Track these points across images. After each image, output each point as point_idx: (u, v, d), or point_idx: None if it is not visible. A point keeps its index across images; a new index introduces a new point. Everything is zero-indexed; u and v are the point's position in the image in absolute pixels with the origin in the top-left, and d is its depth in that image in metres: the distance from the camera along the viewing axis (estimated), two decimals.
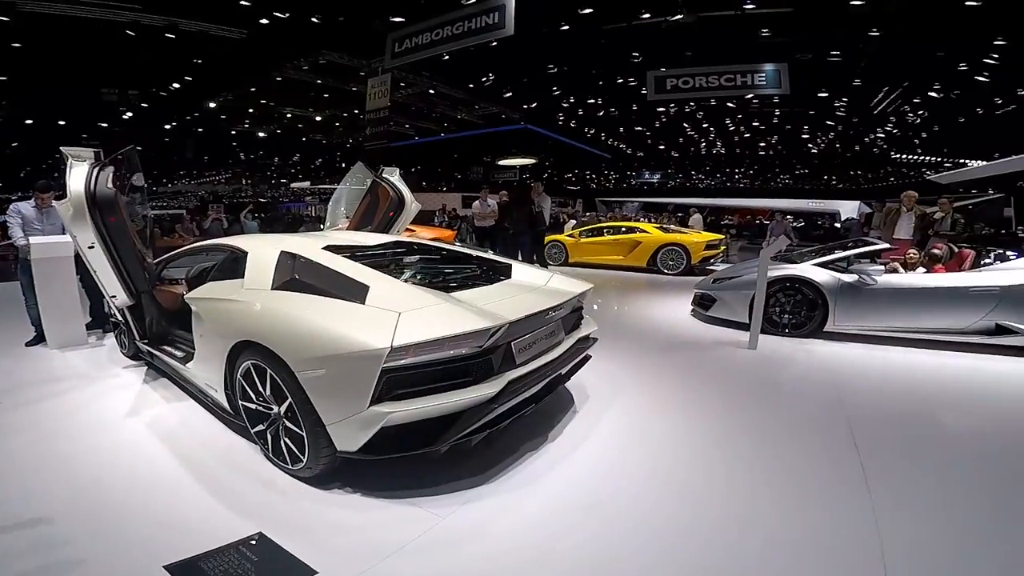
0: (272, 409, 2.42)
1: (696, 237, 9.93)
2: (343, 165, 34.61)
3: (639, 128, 29.50)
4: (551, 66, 17.83)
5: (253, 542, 1.94)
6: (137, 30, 13.09)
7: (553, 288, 3.06)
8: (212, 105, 22.51)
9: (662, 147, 35.55)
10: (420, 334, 2.04)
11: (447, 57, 14.55)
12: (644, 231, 10.33)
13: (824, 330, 4.95)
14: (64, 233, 4.49)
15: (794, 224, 20.99)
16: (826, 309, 4.90)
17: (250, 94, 21.25)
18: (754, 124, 27.10)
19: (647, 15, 12.58)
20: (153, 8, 12.36)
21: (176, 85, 19.13)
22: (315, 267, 2.67)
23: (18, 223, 4.65)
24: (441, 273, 3.22)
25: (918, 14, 10.93)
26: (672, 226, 11.87)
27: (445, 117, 25.68)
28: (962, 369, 4.17)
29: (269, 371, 2.34)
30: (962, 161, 26.84)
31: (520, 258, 7.70)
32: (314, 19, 13.61)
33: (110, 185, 3.53)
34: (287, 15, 13.18)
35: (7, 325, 5.06)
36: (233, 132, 28.57)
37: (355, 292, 2.36)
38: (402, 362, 2.02)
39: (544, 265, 7.99)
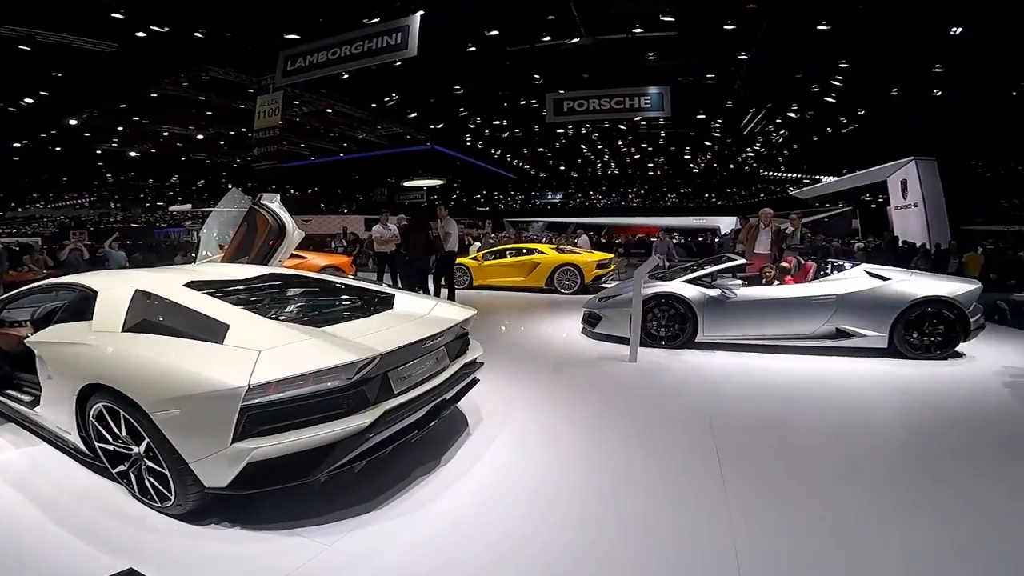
0: (132, 449, 2.35)
1: (588, 257, 10.51)
2: (229, 186, 32.17)
3: (541, 149, 30.59)
4: (457, 87, 18.02)
5: None
6: None
7: (435, 316, 3.12)
8: (73, 122, 20.16)
9: (563, 168, 37.15)
10: (280, 371, 2.07)
11: (346, 76, 14.29)
12: (542, 252, 10.73)
13: (696, 340, 5.46)
14: None
15: (677, 241, 22.91)
16: (696, 322, 5.41)
17: (119, 111, 19.33)
18: (643, 145, 29.18)
19: (548, 37, 12.96)
20: (5, 19, 10.94)
21: (29, 100, 16.94)
22: (171, 307, 2.59)
23: None
24: (317, 307, 3.18)
25: (780, 37, 11.97)
26: (568, 247, 12.40)
27: (345, 137, 25.02)
28: (809, 371, 4.77)
29: (123, 413, 2.30)
30: (818, 177, 30.75)
31: (419, 286, 7.63)
32: (198, 34, 12.79)
33: None
34: (166, 29, 12.27)
35: None
36: (99, 152, 25.74)
37: (214, 332, 2.34)
38: (264, 399, 2.04)
39: (451, 293, 7.87)
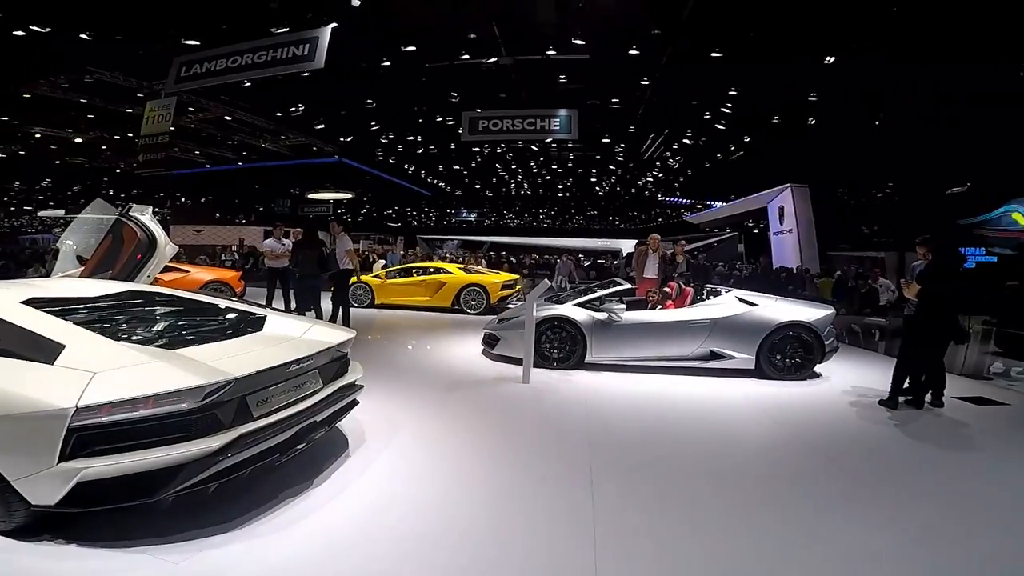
0: None
1: (495, 278, 10.70)
2: (111, 192, 29.28)
3: (457, 167, 30.72)
4: (369, 101, 17.70)
5: None
6: None
7: (308, 339, 3.07)
8: None
9: (478, 186, 37.52)
10: (116, 393, 2.06)
11: (249, 84, 13.70)
12: (448, 272, 10.78)
13: (585, 362, 5.74)
14: None
15: (583, 263, 23.97)
16: (585, 344, 5.70)
17: None
18: (554, 167, 30.22)
19: (466, 56, 13.06)
20: None
21: None
22: (1, 325, 2.44)
23: None
24: (177, 327, 3.05)
25: (679, 63, 12.43)
26: (475, 267, 12.50)
27: (245, 145, 23.70)
28: (684, 392, 5.13)
29: None
30: (709, 203, 33.36)
31: (312, 304, 7.44)
32: (84, 36, 11.66)
33: None
34: (48, 29, 11.09)
35: None
36: None
37: (45, 352, 2.27)
38: (94, 420, 2.03)
39: (346, 316, 7.57)
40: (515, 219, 48.52)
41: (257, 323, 3.22)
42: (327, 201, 32.45)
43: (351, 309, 8.12)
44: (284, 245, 8.45)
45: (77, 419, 1.99)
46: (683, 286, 6.56)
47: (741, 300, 5.81)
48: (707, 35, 11.14)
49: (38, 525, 2.21)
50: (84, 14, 10.82)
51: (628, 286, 6.62)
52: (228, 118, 19.42)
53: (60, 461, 2.00)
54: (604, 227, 44.48)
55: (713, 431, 4.15)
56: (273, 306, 6.32)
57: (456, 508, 2.72)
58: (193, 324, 3.15)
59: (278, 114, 19.24)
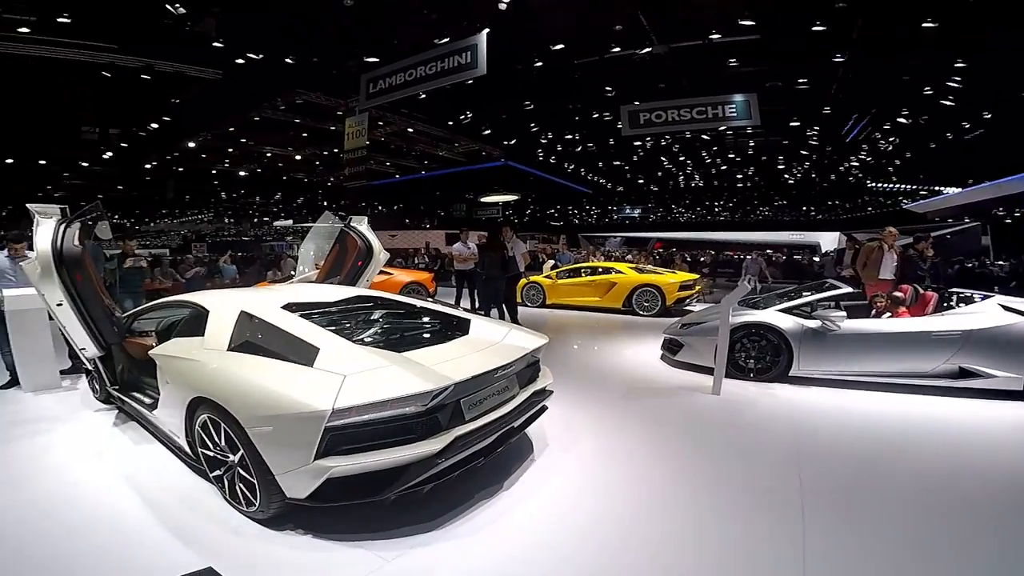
0: (228, 457, 2.56)
1: (671, 277, 9.88)
2: (325, 203, 34.54)
3: (617, 162, 29.85)
4: (527, 103, 18.01)
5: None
6: (113, 71, 13.03)
7: (509, 344, 3.14)
8: (192, 145, 22.46)
9: (641, 181, 36.01)
10: (362, 396, 2.21)
11: (423, 96, 14.68)
12: (619, 272, 10.28)
13: (790, 374, 4.97)
14: None
15: (773, 256, 20.94)
16: (791, 354, 4.92)
17: (229, 134, 21.27)
18: (730, 156, 27.55)
19: (617, 48, 12.64)
20: (129, 50, 12.33)
21: (155, 125, 19.04)
22: (270, 329, 2.83)
23: None
24: (399, 330, 3.32)
25: (880, 37, 10.96)
26: (648, 266, 11.80)
27: (426, 155, 25.88)
28: (920, 414, 4.16)
29: (223, 424, 2.52)
30: (937, 189, 27.32)
31: (494, 304, 7.64)
32: (288, 60, 13.70)
33: (76, 243, 3.62)
34: (261, 56, 13.25)
35: None
36: (214, 171, 28.50)
37: (305, 354, 2.53)
38: (344, 421, 2.20)
39: (513, 315, 7.75)
40: (685, 213, 45.37)
41: (463, 327, 3.39)
42: (496, 203, 34.01)
43: (519, 308, 8.26)
44: (470, 248, 8.86)
45: (332, 420, 2.17)
46: (920, 290, 5.34)
47: (1007, 308, 4.55)
48: (910, 5, 9.49)
49: (284, 517, 2.47)
50: (286, 39, 12.58)
51: (848, 289, 5.50)
52: (410, 130, 21.35)
53: (315, 459, 2.19)
54: (795, 218, 38.95)
55: (967, 465, 3.23)
56: (461, 307, 6.67)
57: (642, 523, 2.58)
58: (411, 327, 3.46)
59: (450, 123, 20.56)
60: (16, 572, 2.13)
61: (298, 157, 25.74)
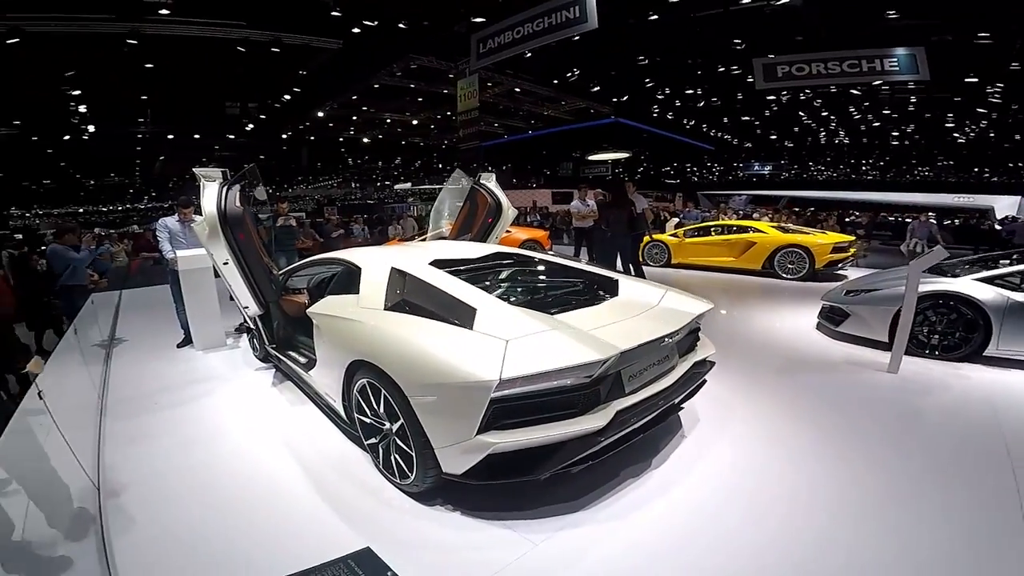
0: (384, 425, 2.48)
1: (821, 238, 8.68)
2: (440, 166, 35.79)
3: (746, 118, 27.12)
4: (641, 58, 16.85)
5: (360, 557, 2.02)
6: (247, 46, 14.23)
7: (668, 308, 2.84)
8: (320, 114, 24.26)
9: (773, 137, 32.47)
10: (528, 366, 2.03)
11: (529, 55, 14.33)
12: (759, 230, 9.26)
13: (984, 354, 4.18)
14: None
15: (943, 221, 17.79)
16: (988, 330, 4.13)
17: (352, 102, 22.57)
18: (884, 112, 23.66)
19: (746, 0, 11.51)
20: (257, 24, 13.36)
21: (287, 97, 20.77)
22: (423, 286, 2.73)
23: (166, 237, 5.07)
24: (545, 290, 3.14)
25: None
26: (791, 225, 10.52)
27: (532, 114, 25.50)
28: None
29: (383, 391, 2.41)
30: None
31: (619, 264, 7.35)
32: (401, 25, 13.99)
33: (238, 203, 3.75)
34: (376, 23, 13.66)
35: (165, 328, 5.62)
36: (340, 139, 30.65)
37: (463, 315, 2.38)
38: (508, 392, 2.02)
39: (639, 275, 7.33)
40: (825, 171, 40.29)
41: (611, 287, 3.15)
42: (605, 161, 32.97)
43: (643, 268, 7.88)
44: (589, 206, 8.52)
45: (497, 391, 1.99)
46: None
47: None
48: None
49: (433, 491, 2.38)
50: (398, 4, 12.77)
51: None
52: (517, 90, 21.06)
53: (478, 433, 2.04)
54: (963, 180, 32.80)
55: None
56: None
57: (805, 514, 2.29)
58: (556, 287, 3.24)
59: (555, 81, 19.92)
60: (178, 537, 2.20)
61: (415, 122, 26.73)
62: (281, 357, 3.83)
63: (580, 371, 2.07)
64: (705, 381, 2.92)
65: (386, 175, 45.51)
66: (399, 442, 2.39)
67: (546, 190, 30.72)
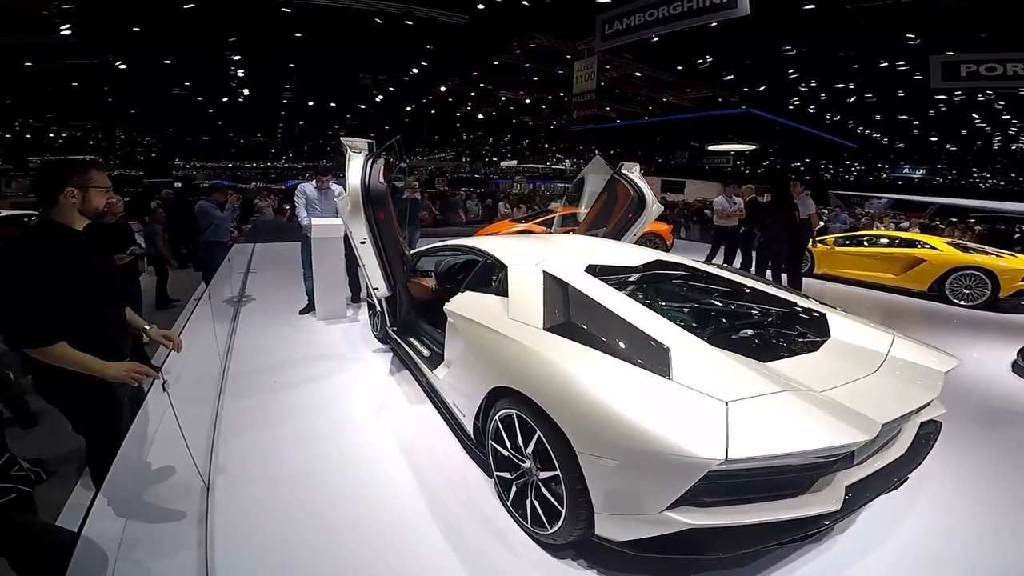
0: (524, 463, 2.09)
1: (1012, 262, 7.30)
2: (546, 146, 35.50)
3: (904, 116, 23.99)
4: (788, 48, 15.41)
5: None
6: (383, 17, 14.68)
7: (906, 360, 2.19)
8: (442, 89, 24.93)
9: (934, 138, 28.37)
10: (763, 445, 1.54)
11: (656, 39, 13.64)
12: (930, 246, 7.98)
13: None
14: (337, 215, 4.93)
15: None
16: None
17: (472, 78, 22.92)
18: None
19: None
20: None
21: (415, 70, 21.53)
22: (592, 306, 2.24)
23: (303, 203, 5.11)
24: (733, 319, 2.44)
25: None
26: (970, 243, 8.92)
27: (649, 100, 24.36)
28: None
29: (539, 432, 1.96)
30: None
31: (768, 273, 6.60)
32: (524, 2, 13.83)
33: (382, 179, 3.57)
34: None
35: (290, 291, 5.85)
36: (457, 114, 31.42)
37: (652, 356, 1.89)
38: (723, 470, 1.55)
39: (799, 288, 6.53)
40: (989, 179, 34.67)
41: (817, 323, 2.48)
42: (727, 153, 30.83)
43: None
44: (735, 204, 7.87)
45: (714, 471, 1.53)
46: None
47: None
48: None
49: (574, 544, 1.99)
50: None
51: None
52: (637, 74, 20.13)
53: (664, 510, 1.62)
54: None
55: None
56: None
57: None
58: (744, 315, 2.54)
59: (679, 68, 18.77)
60: (279, 541, 2.07)
61: (527, 101, 26.65)
62: (401, 342, 3.63)
63: (829, 453, 1.60)
64: (932, 446, 2.28)
65: (494, 151, 46.15)
66: (543, 489, 1.98)
67: (656, 178, 29.48)
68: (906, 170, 36.35)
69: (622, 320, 2.10)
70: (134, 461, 2.32)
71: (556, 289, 2.39)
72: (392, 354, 4.20)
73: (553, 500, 1.94)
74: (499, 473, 2.27)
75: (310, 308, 5.32)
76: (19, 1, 11.58)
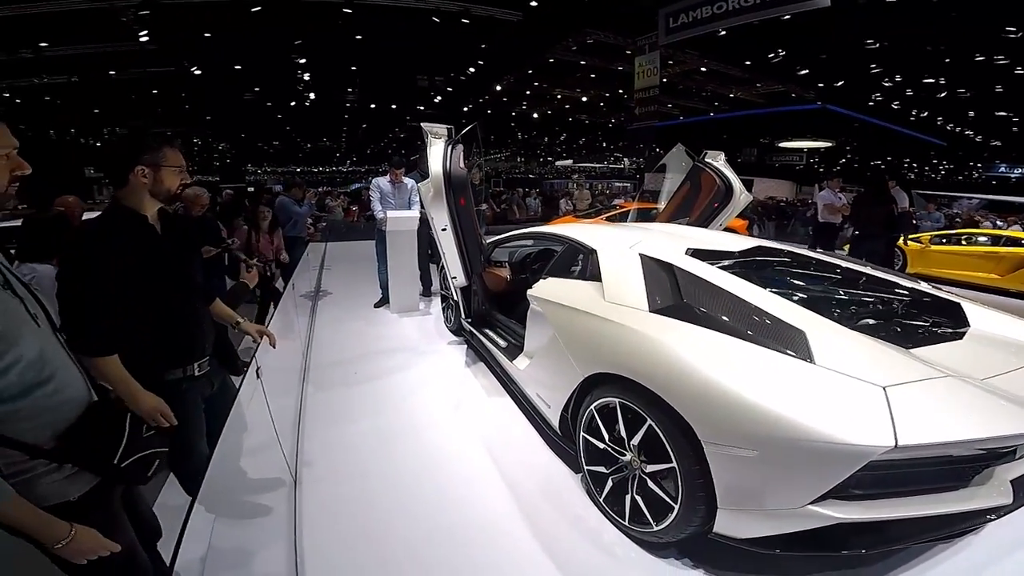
0: (625, 456, 1.93)
1: None
2: (604, 144, 34.75)
3: (1002, 113, 21.89)
4: (871, 41, 14.30)
5: None
6: (440, 16, 14.55)
7: None
8: (498, 88, 24.90)
9: None
10: (934, 431, 1.41)
11: (723, 32, 12.95)
12: None
13: None
14: (410, 207, 5.00)
15: None
16: None
17: (527, 76, 22.72)
18: None
19: None
20: None
21: (472, 70, 21.55)
22: (708, 288, 2.04)
23: (377, 197, 5.18)
24: (860, 306, 2.22)
25: None
26: None
27: (715, 95, 23.31)
28: None
29: (651, 422, 1.80)
30: None
31: None
32: None
33: (462, 164, 3.53)
34: None
35: (364, 285, 5.90)
36: (513, 113, 31.34)
37: (787, 339, 1.71)
38: (887, 459, 1.40)
39: None
40: None
41: (951, 311, 2.23)
42: (799, 150, 29.18)
43: None
44: (841, 200, 7.44)
45: (876, 460, 1.39)
46: None
47: None
48: None
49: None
50: None
51: None
52: (702, 69, 19.28)
53: (809, 503, 1.48)
54: None
55: None
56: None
57: None
58: (870, 302, 2.30)
59: (747, 62, 17.79)
60: (372, 532, 2.05)
61: (584, 99, 26.18)
62: (475, 333, 3.55)
63: (1004, 442, 1.46)
64: None
65: (549, 151, 45.76)
66: (650, 484, 1.82)
67: None
68: (1002, 169, 33.44)
69: (745, 302, 1.90)
70: (227, 453, 2.31)
71: (657, 271, 2.21)
72: (466, 346, 4.15)
73: (662, 495, 1.79)
74: (591, 467, 2.14)
75: (384, 301, 5.36)
76: (99, 10, 12.16)
